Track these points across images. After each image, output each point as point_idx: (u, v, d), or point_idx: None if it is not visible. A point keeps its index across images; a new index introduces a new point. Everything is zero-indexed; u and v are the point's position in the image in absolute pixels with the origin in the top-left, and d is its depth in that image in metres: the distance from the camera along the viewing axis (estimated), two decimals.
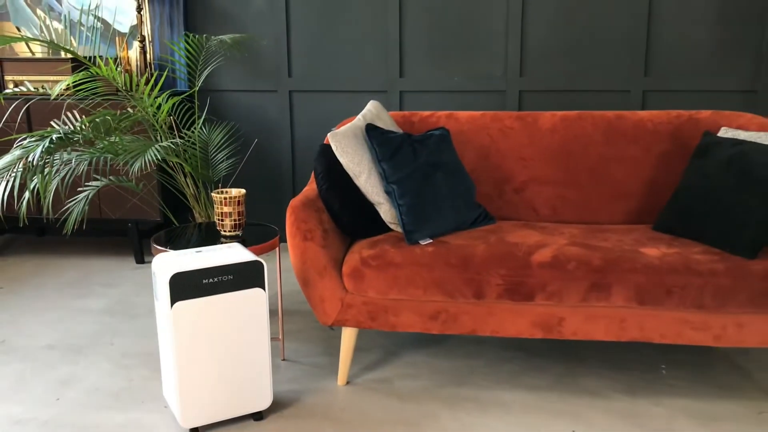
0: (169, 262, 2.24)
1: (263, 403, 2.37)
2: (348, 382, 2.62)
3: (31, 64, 3.85)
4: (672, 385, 2.58)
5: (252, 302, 2.29)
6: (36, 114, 3.70)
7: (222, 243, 2.64)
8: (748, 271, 2.29)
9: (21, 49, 4.16)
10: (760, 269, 2.29)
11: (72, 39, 4.14)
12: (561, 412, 2.42)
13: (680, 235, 2.58)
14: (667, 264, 2.33)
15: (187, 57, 3.54)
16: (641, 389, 2.56)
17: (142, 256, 3.93)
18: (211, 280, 2.22)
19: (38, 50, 4.16)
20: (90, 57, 3.86)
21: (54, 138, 2.58)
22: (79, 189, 3.17)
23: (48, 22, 4.16)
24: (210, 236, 2.78)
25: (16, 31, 4.19)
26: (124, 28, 4.09)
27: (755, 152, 2.44)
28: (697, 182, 2.56)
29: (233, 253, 2.32)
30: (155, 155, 2.73)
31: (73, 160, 2.75)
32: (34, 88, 3.43)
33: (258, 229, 2.85)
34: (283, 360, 2.80)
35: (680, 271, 2.32)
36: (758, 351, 2.82)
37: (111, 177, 3.22)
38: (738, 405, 2.45)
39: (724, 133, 2.70)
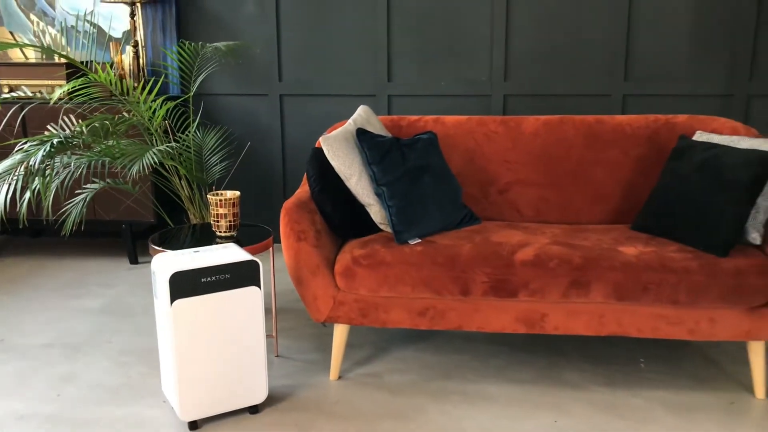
0: (168, 262, 2.33)
1: (259, 396, 2.47)
2: (340, 377, 2.72)
3: (24, 68, 3.92)
4: (650, 378, 2.70)
5: (248, 300, 2.38)
6: (31, 119, 3.78)
7: (218, 243, 2.73)
8: (719, 268, 2.42)
9: (15, 54, 4.23)
10: (731, 267, 2.42)
11: (66, 44, 4.21)
12: (544, 403, 2.53)
13: (656, 235, 2.70)
14: (644, 262, 2.45)
15: (182, 63, 3.62)
16: (620, 382, 2.68)
17: (136, 257, 4.01)
18: (209, 278, 2.31)
19: (32, 55, 4.23)
20: (85, 62, 3.94)
21: (55, 142, 2.66)
22: (77, 191, 3.25)
23: (41, 27, 4.23)
24: (205, 237, 2.87)
25: (9, 36, 4.25)
26: (117, 34, 4.17)
27: (727, 156, 2.56)
28: (672, 184, 2.69)
29: (229, 253, 2.41)
30: (153, 159, 2.83)
31: (72, 164, 2.84)
32: (32, 93, 3.51)
33: (252, 230, 2.94)
34: (277, 356, 2.90)
35: (656, 268, 2.43)
36: (730, 345, 2.95)
37: (108, 180, 3.30)
38: (711, 396, 2.57)
39: (699, 136, 2.83)
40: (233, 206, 2.78)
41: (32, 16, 4.22)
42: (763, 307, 2.43)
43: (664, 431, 2.35)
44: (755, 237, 2.56)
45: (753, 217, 2.55)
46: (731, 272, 2.41)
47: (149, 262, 4.01)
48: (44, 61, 3.98)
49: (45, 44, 4.20)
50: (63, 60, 3.83)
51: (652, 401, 2.54)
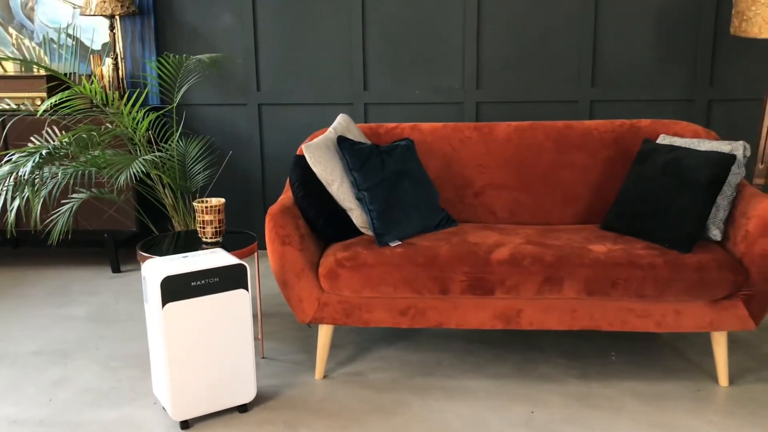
0: (158, 267, 2.40)
1: (248, 396, 2.55)
2: (325, 376, 2.82)
3: (3, 81, 3.97)
4: (621, 370, 2.84)
5: (236, 302, 2.47)
6: (11, 131, 3.83)
7: (204, 249, 2.81)
8: (683, 263, 2.56)
9: None
10: (694, 262, 2.56)
11: (45, 57, 4.26)
12: (521, 396, 2.65)
13: (624, 233, 2.83)
14: (613, 259, 2.59)
15: (165, 75, 3.70)
16: (593, 374, 2.81)
17: (119, 265, 4.07)
18: (199, 282, 2.39)
19: (10, 68, 4.27)
20: (66, 74, 3.99)
21: (43, 153, 2.73)
22: (63, 201, 3.31)
23: (20, 40, 4.28)
24: (191, 243, 2.95)
25: None
26: (97, 46, 4.23)
27: (688, 158, 2.71)
28: (637, 185, 2.83)
29: (218, 258, 2.49)
30: (140, 168, 2.91)
31: (60, 174, 2.91)
32: (16, 105, 3.57)
33: (237, 236, 3.03)
34: (263, 358, 2.98)
35: (624, 265, 2.57)
36: (695, 336, 3.10)
37: (93, 189, 3.37)
38: (679, 385, 2.71)
39: (662, 140, 2.98)
40: (218, 213, 2.86)
41: (11, 30, 4.27)
42: (724, 300, 2.58)
43: (635, 419, 2.49)
44: (716, 234, 2.71)
45: (714, 215, 2.71)
46: (694, 267, 2.55)
47: (132, 270, 4.07)
48: (24, 74, 4.03)
49: (26, 57, 4.24)
50: (44, 72, 3.88)
51: (623, 391, 2.67)
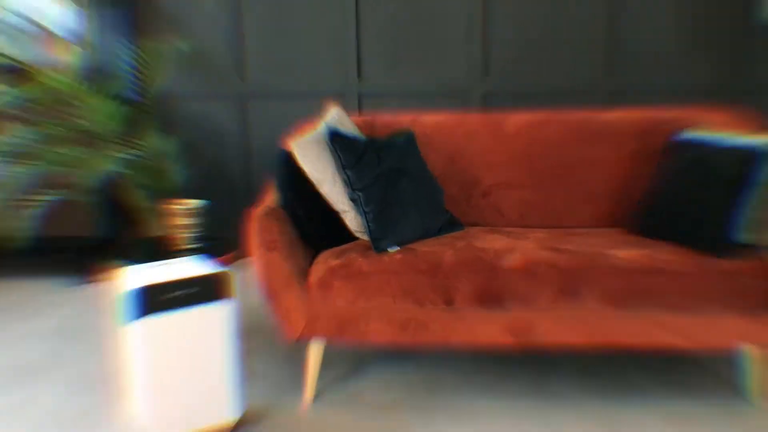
0: (132, 277, 2.21)
1: (230, 418, 2.34)
2: (315, 397, 2.58)
3: None
4: (644, 387, 2.62)
5: (218, 315, 2.26)
6: None
7: (181, 256, 2.57)
8: (716, 270, 2.33)
9: None
10: (728, 268, 2.33)
11: (4, 44, 4.02)
12: (532, 417, 2.43)
13: (650, 237, 2.61)
14: (637, 266, 2.36)
15: (141, 65, 3.49)
16: (610, 392, 2.58)
17: (86, 275, 3.81)
18: (176, 293, 2.20)
19: None
20: (29, 63, 3.75)
21: (3, 150, 2.51)
22: (26, 204, 3.09)
23: None
24: (167, 250, 2.72)
25: None
26: (66, 33, 3.99)
27: (720, 153, 2.50)
28: (664, 183, 2.62)
29: (196, 266, 2.29)
30: (111, 168, 2.69)
31: (22, 174, 2.69)
32: None
33: (218, 242, 2.82)
34: (247, 376, 2.74)
35: (650, 272, 2.34)
36: (724, 350, 2.87)
37: (59, 191, 3.15)
38: (706, 403, 2.49)
39: (690, 133, 2.76)
40: (197, 216, 2.63)
41: None
42: (758, 309, 2.35)
43: None
44: (752, 237, 2.47)
45: (750, 216, 2.47)
46: (729, 274, 2.33)
47: (99, 280, 3.82)
48: None
49: None
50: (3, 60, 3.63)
51: (646, 412, 2.45)
